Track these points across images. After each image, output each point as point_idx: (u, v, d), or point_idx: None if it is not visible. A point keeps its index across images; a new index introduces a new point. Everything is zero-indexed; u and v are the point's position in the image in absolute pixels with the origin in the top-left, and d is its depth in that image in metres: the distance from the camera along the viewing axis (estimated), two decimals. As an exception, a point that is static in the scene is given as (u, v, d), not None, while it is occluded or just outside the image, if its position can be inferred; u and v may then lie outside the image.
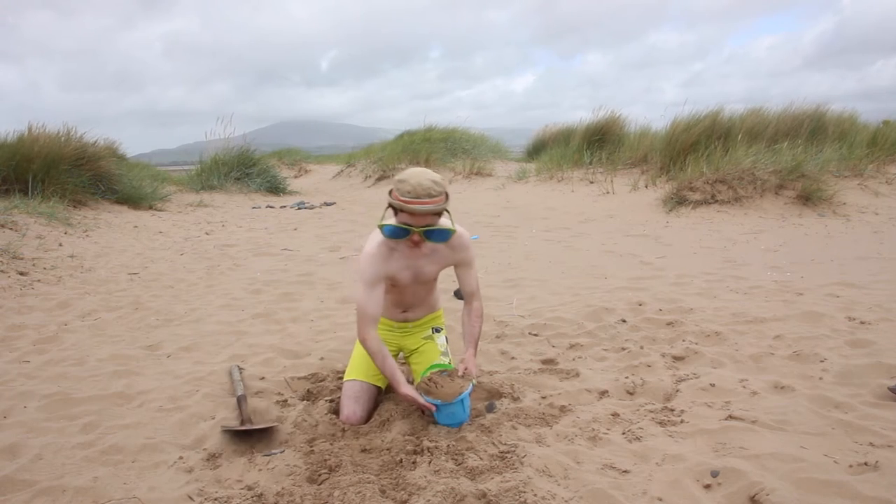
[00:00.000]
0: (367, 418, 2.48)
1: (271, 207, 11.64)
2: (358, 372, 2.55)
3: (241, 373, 2.95)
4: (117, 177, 10.04)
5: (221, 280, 5.34)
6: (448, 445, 2.16)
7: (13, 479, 2.00)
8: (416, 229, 2.21)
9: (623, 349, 3.19)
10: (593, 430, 2.27)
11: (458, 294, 4.46)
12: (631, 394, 2.66)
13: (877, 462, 1.91)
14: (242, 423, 2.44)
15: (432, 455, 2.09)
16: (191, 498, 1.92)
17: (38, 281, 5.06)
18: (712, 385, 2.61)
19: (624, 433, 2.26)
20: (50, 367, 3.15)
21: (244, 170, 13.98)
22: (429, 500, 1.80)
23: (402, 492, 1.88)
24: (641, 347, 3.20)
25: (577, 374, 2.86)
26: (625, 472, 1.98)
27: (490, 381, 2.79)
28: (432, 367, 2.56)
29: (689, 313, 3.71)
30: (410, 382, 2.52)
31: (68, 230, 7.30)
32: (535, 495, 1.82)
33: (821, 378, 2.66)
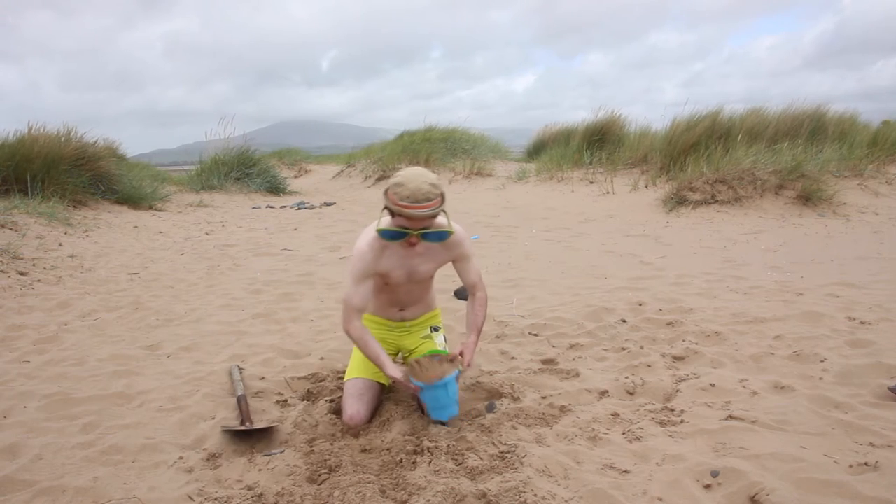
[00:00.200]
0: (371, 417, 2.47)
1: (271, 207, 11.64)
2: (359, 370, 2.54)
3: (241, 373, 2.95)
4: (117, 177, 10.04)
5: (221, 280, 5.35)
6: (448, 445, 2.16)
7: (13, 479, 2.00)
8: (413, 232, 2.22)
9: (623, 349, 3.19)
10: (593, 430, 2.27)
11: (459, 294, 4.47)
12: (631, 394, 2.66)
13: (877, 462, 1.91)
14: (242, 423, 2.44)
15: (432, 455, 2.09)
16: (191, 498, 1.92)
17: (38, 281, 5.06)
18: (712, 385, 2.61)
19: (624, 433, 2.26)
20: (50, 367, 3.15)
21: (244, 170, 13.98)
22: (429, 500, 1.80)
23: (402, 492, 1.88)
24: (641, 347, 3.20)
25: (577, 374, 2.86)
26: (625, 472, 1.98)
27: (490, 381, 2.79)
28: (429, 352, 2.57)
29: (689, 313, 3.71)
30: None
31: (68, 230, 7.30)
32: (535, 495, 1.83)
33: (821, 378, 2.66)
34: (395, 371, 2.33)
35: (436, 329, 2.72)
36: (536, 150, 16.39)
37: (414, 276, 2.45)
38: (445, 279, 5.05)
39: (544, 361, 3.09)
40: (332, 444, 2.23)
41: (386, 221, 2.29)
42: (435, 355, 2.46)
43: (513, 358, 3.17)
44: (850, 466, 1.93)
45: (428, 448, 2.13)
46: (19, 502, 1.91)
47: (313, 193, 14.74)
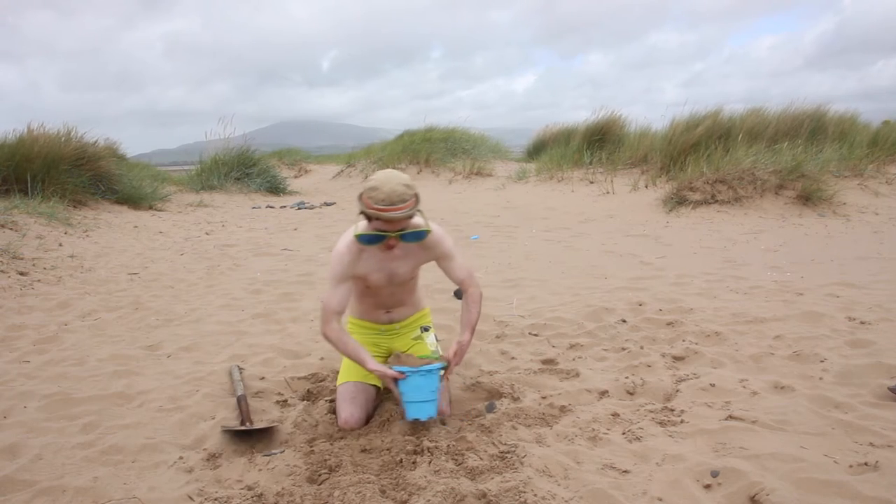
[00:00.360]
0: (367, 420, 2.46)
1: (271, 207, 11.64)
2: (351, 374, 2.53)
3: (241, 373, 2.95)
4: (117, 177, 10.04)
5: (221, 280, 5.35)
6: (448, 445, 2.16)
7: (13, 479, 2.00)
8: (391, 234, 2.21)
9: (623, 349, 3.18)
10: (593, 430, 2.27)
11: (459, 294, 4.46)
12: (631, 394, 2.66)
13: (877, 462, 1.91)
14: (242, 423, 2.44)
15: (432, 455, 2.09)
16: (191, 498, 1.92)
17: (38, 281, 5.06)
18: (712, 385, 2.61)
19: (624, 433, 2.26)
20: (50, 367, 3.15)
21: (244, 170, 13.97)
22: (429, 500, 1.80)
23: (402, 492, 1.88)
24: (641, 347, 3.20)
25: (577, 374, 2.86)
26: (625, 472, 1.98)
27: (490, 381, 2.80)
28: (420, 356, 2.55)
29: (689, 313, 3.71)
30: None
31: (68, 230, 7.30)
32: (535, 495, 1.83)
33: (821, 378, 2.66)
34: (376, 364, 2.30)
35: (426, 329, 2.71)
36: (536, 150, 16.39)
37: (394, 279, 2.45)
38: (445, 279, 5.05)
39: (544, 361, 3.09)
40: (332, 444, 2.23)
41: (363, 226, 2.28)
42: (423, 357, 2.43)
43: (513, 358, 3.17)
44: (850, 466, 1.93)
45: (428, 448, 2.13)
46: (19, 502, 1.91)
47: (313, 193, 14.74)
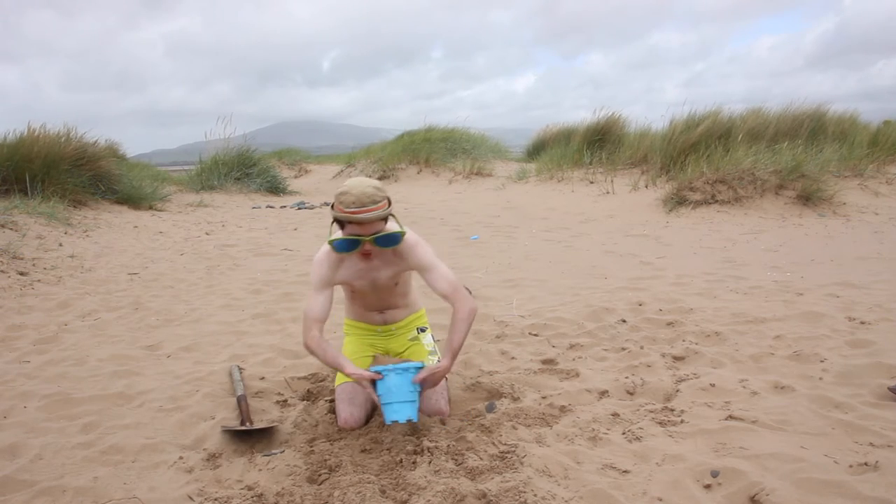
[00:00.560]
0: (367, 420, 2.46)
1: (271, 207, 11.64)
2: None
3: (241, 373, 2.95)
4: (117, 177, 10.04)
5: (221, 280, 5.35)
6: (448, 445, 2.16)
7: (13, 479, 2.00)
8: (365, 238, 2.18)
9: (623, 349, 3.18)
10: (593, 430, 2.27)
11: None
12: (631, 394, 2.66)
13: (877, 462, 1.91)
14: (242, 423, 2.44)
15: (432, 455, 2.09)
16: (191, 498, 1.92)
17: (38, 281, 5.06)
18: (712, 385, 2.61)
19: (624, 433, 2.26)
20: (50, 367, 3.15)
21: (244, 170, 13.98)
22: (429, 500, 1.80)
23: (402, 492, 1.88)
24: (641, 347, 3.20)
25: (577, 374, 2.86)
26: (625, 472, 1.98)
27: (490, 381, 2.80)
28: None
29: (689, 313, 3.71)
30: None
31: (68, 230, 7.30)
32: (535, 495, 1.82)
33: (821, 378, 2.66)
34: (354, 368, 2.24)
35: (422, 330, 2.70)
36: (536, 150, 16.40)
37: (378, 284, 2.43)
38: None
39: (544, 361, 3.09)
40: (332, 444, 2.23)
41: (337, 234, 2.27)
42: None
43: (513, 358, 3.17)
44: (850, 466, 1.93)
45: (428, 448, 2.13)
46: (19, 502, 1.91)
47: (313, 193, 14.74)
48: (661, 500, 1.83)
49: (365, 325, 2.66)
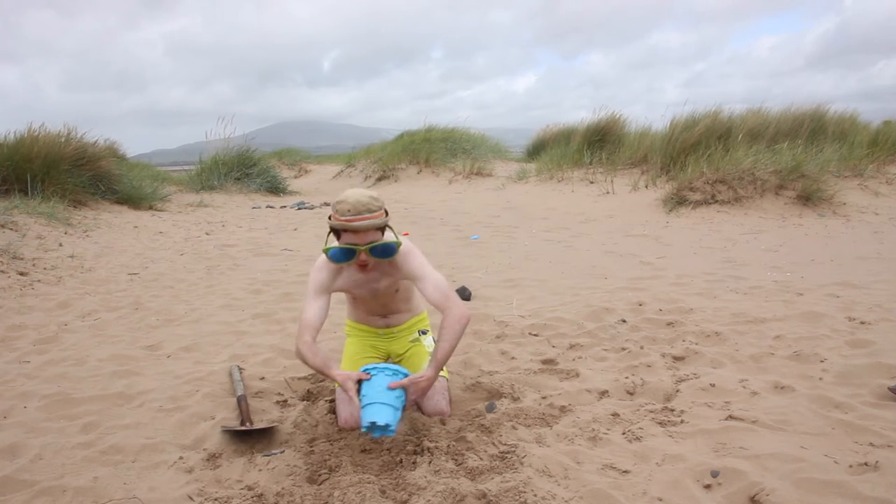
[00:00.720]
0: None
1: (271, 207, 11.64)
2: None
3: (241, 373, 2.95)
4: (117, 177, 10.05)
5: (221, 280, 5.35)
6: (448, 445, 2.16)
7: (13, 479, 2.00)
8: (360, 247, 2.17)
9: (623, 349, 3.18)
10: (593, 430, 2.27)
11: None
12: (631, 394, 2.66)
13: (877, 462, 1.91)
14: (242, 423, 2.44)
15: (432, 455, 2.09)
16: (191, 498, 1.92)
17: (38, 281, 5.06)
18: (712, 385, 2.61)
19: (624, 433, 2.26)
20: (50, 368, 3.15)
21: (244, 170, 13.99)
22: (429, 500, 1.80)
23: (402, 492, 1.88)
24: (641, 347, 3.20)
25: (577, 375, 2.86)
26: (625, 472, 1.98)
27: (490, 381, 2.80)
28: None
29: (690, 313, 3.71)
30: None
31: (68, 230, 7.30)
32: (535, 495, 1.82)
33: (821, 378, 2.66)
34: (339, 371, 2.20)
35: (424, 332, 2.71)
36: (536, 150, 16.40)
37: (377, 292, 2.44)
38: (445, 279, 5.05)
39: (544, 361, 3.09)
40: (332, 444, 2.23)
41: (333, 241, 2.26)
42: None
43: (513, 358, 3.17)
44: (850, 466, 1.93)
45: (428, 448, 2.13)
46: (19, 502, 1.91)
47: (313, 193, 14.75)
48: (661, 500, 1.83)
49: (367, 327, 2.67)
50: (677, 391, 2.62)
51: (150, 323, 4.02)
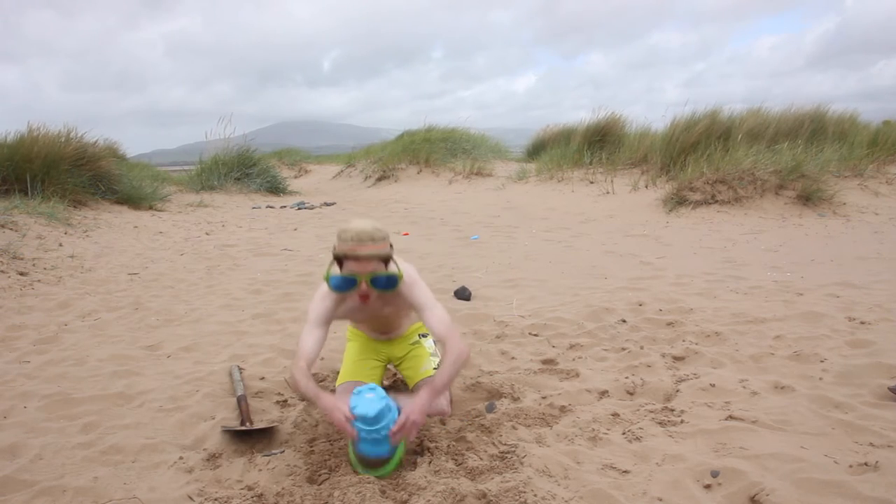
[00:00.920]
0: None
1: (271, 208, 11.65)
2: (351, 373, 2.57)
3: (241, 373, 2.95)
4: (117, 177, 10.05)
5: (221, 280, 5.35)
6: (448, 445, 2.16)
7: (13, 479, 2.00)
8: (362, 276, 2.14)
9: (623, 349, 3.18)
10: (593, 430, 2.27)
11: (459, 294, 4.47)
12: (631, 394, 2.66)
13: (877, 462, 1.91)
14: (242, 423, 2.44)
15: (432, 455, 2.09)
16: (191, 498, 1.92)
17: (39, 281, 5.06)
18: (712, 385, 2.61)
19: (624, 433, 2.26)
20: (50, 368, 3.15)
21: (244, 170, 13.99)
22: (429, 500, 1.80)
23: (402, 492, 1.88)
24: (641, 347, 3.20)
25: (577, 375, 2.86)
26: (625, 472, 1.98)
27: (490, 381, 2.80)
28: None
29: (690, 313, 3.71)
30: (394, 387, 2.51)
31: (68, 230, 7.30)
32: (535, 495, 1.82)
33: (821, 378, 2.66)
34: (329, 399, 2.07)
35: (424, 335, 2.72)
36: (536, 150, 16.40)
37: (380, 318, 2.45)
38: (445, 279, 5.05)
39: (544, 361, 3.09)
40: (331, 444, 2.23)
41: (335, 270, 2.24)
42: None
43: (513, 358, 3.17)
44: (850, 466, 1.93)
45: (428, 448, 2.13)
46: (19, 502, 1.91)
47: (313, 193, 14.75)
48: (661, 500, 1.83)
49: (367, 336, 2.69)
50: (677, 391, 2.62)
51: (150, 323, 4.02)
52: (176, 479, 2.04)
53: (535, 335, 3.50)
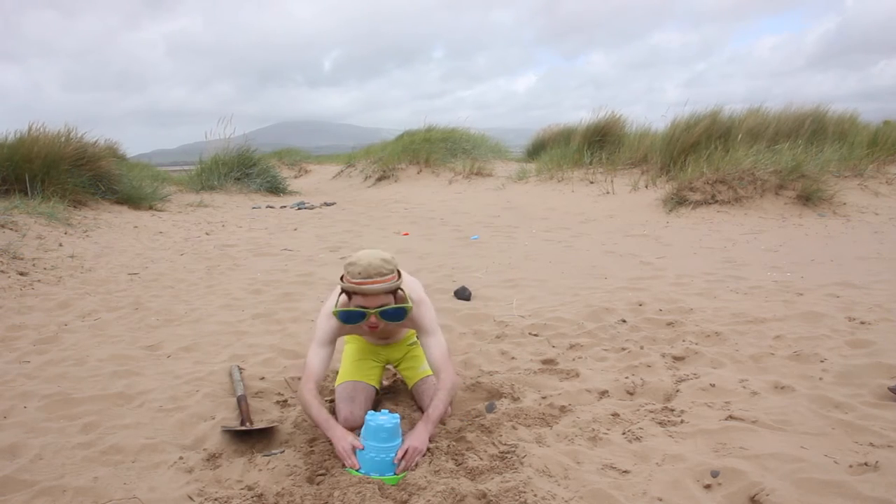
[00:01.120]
0: None
1: (271, 207, 11.64)
2: (349, 375, 2.56)
3: (241, 373, 2.95)
4: (117, 177, 10.05)
5: (221, 280, 5.35)
6: (448, 445, 2.16)
7: (13, 479, 2.00)
8: (371, 311, 2.15)
9: (623, 349, 3.18)
10: (593, 430, 2.27)
11: (459, 294, 4.47)
12: (631, 394, 2.66)
13: (877, 462, 1.91)
14: (242, 423, 2.44)
15: (432, 455, 2.09)
16: (191, 498, 1.92)
17: (39, 281, 5.06)
18: (712, 385, 2.61)
19: (624, 433, 2.26)
20: (50, 368, 3.15)
21: (244, 170, 13.98)
22: (429, 500, 1.80)
23: (402, 492, 1.88)
24: (641, 347, 3.20)
25: (577, 375, 2.86)
26: (625, 472, 1.98)
27: (490, 381, 2.80)
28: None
29: (690, 313, 3.71)
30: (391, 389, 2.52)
31: (68, 230, 7.30)
32: (535, 495, 1.82)
33: (821, 378, 2.66)
34: (340, 431, 2.12)
35: None
36: (536, 150, 16.40)
37: (383, 332, 2.44)
38: (445, 279, 5.05)
39: (544, 361, 3.09)
40: (332, 445, 2.23)
41: (343, 302, 2.25)
42: None
43: (513, 358, 3.17)
44: (850, 466, 1.93)
45: (428, 448, 2.13)
46: (19, 502, 1.91)
47: (313, 193, 14.75)
48: (661, 500, 1.83)
49: (366, 342, 2.70)
50: (677, 391, 2.62)
51: (150, 323, 4.02)
52: (176, 479, 2.04)
53: (535, 335, 3.50)
